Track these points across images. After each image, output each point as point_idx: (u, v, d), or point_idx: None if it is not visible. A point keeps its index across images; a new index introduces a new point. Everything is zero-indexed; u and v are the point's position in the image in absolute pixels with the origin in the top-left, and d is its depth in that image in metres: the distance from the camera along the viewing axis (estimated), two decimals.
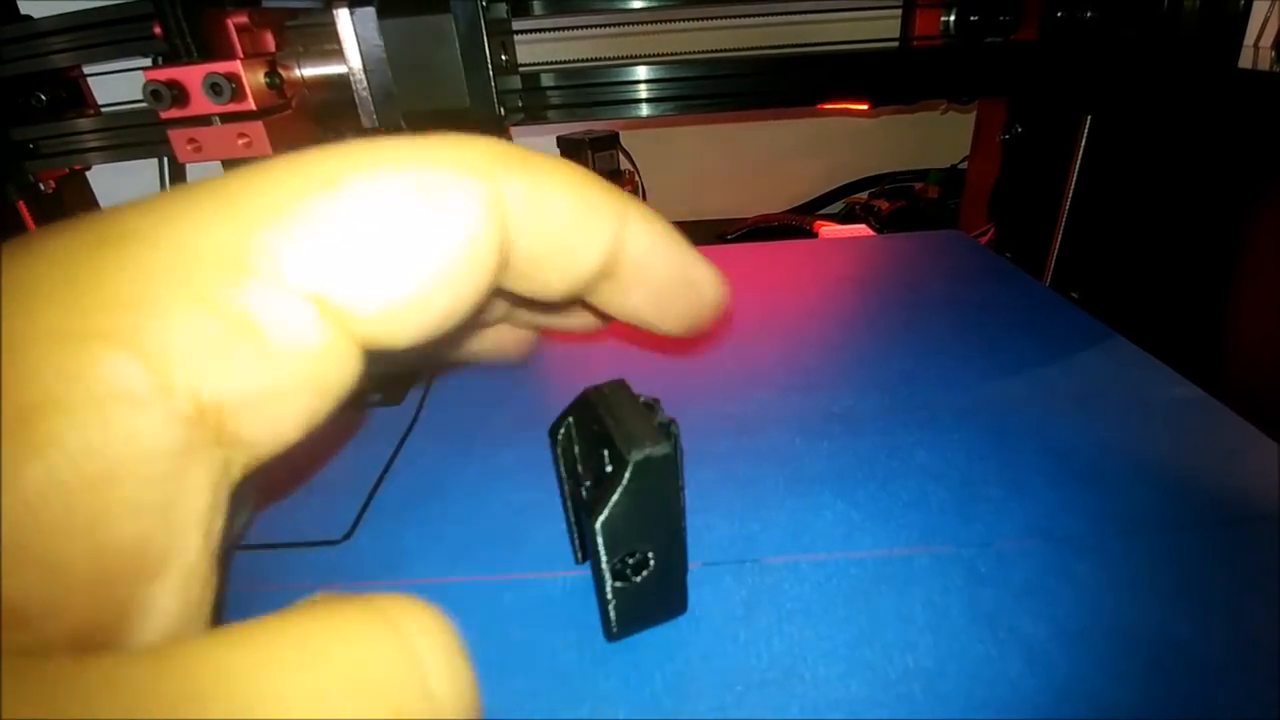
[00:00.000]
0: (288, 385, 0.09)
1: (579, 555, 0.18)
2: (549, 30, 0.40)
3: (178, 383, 0.08)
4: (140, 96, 0.29)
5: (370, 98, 0.31)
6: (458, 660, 0.08)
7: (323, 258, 0.09)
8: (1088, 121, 0.37)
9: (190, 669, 0.07)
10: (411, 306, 0.09)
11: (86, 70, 0.42)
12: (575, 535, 0.17)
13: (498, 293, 0.11)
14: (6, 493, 0.07)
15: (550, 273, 0.12)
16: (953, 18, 0.38)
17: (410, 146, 0.10)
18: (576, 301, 0.16)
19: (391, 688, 0.08)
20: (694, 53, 0.39)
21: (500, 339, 0.16)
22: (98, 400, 0.07)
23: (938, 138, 0.62)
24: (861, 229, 0.47)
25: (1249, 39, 0.34)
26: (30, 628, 0.07)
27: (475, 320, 0.14)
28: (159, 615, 0.08)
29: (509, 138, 0.39)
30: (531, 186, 0.11)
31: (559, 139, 0.57)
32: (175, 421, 0.08)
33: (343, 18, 0.30)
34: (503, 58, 0.33)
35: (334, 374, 0.09)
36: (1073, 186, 0.38)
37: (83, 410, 0.07)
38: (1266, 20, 0.38)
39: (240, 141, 0.29)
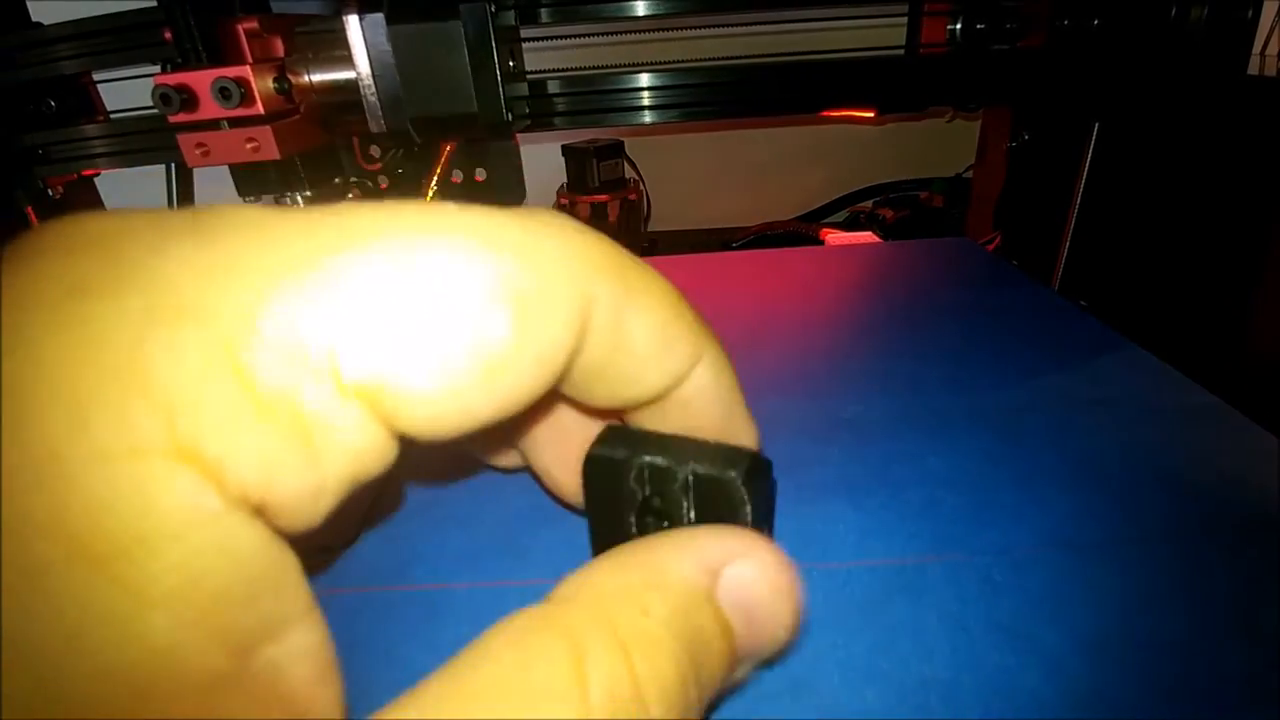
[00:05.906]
0: (329, 486, 0.08)
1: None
2: (557, 38, 0.40)
3: (232, 489, 0.07)
4: (149, 103, 0.30)
5: (378, 103, 0.31)
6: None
7: (384, 347, 0.08)
8: (1095, 129, 0.37)
9: None
10: (465, 407, 0.09)
11: (96, 76, 0.42)
12: None
13: None
14: (133, 648, 0.07)
15: (603, 388, 0.11)
16: (959, 25, 0.38)
17: (505, 229, 0.09)
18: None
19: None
20: (700, 60, 0.40)
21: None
22: (181, 530, 0.07)
23: (943, 146, 0.62)
24: (868, 236, 0.47)
25: (1256, 46, 0.34)
26: None
27: None
28: (301, 657, 0.08)
29: (516, 144, 0.39)
30: (620, 305, 0.10)
31: (564, 148, 0.57)
32: (254, 521, 0.08)
33: (352, 24, 0.30)
34: (510, 64, 0.33)
35: (371, 468, 0.09)
36: (1080, 195, 0.38)
37: (172, 545, 0.07)
38: (1274, 28, 0.38)
39: (248, 146, 0.29)
